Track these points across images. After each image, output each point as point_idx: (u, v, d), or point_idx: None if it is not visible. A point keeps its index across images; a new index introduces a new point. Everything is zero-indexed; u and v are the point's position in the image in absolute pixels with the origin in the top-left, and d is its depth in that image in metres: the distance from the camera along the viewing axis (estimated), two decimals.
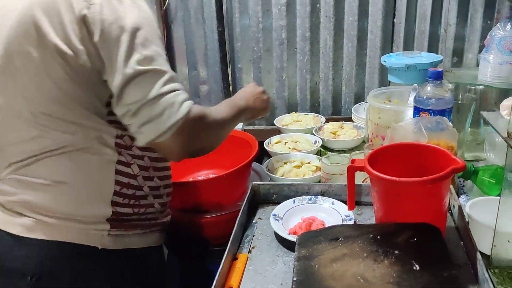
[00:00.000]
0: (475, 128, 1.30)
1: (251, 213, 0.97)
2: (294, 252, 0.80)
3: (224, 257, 0.76)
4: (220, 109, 0.84)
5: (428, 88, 1.01)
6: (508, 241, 0.73)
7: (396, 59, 1.33)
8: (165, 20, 1.71)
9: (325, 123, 1.49)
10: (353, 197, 0.85)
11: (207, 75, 1.79)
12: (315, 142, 1.36)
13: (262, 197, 1.01)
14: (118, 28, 0.67)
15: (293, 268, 0.70)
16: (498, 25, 1.16)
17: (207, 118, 0.77)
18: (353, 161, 0.83)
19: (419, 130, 0.94)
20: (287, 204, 0.95)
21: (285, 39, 1.68)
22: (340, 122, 1.46)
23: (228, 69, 1.75)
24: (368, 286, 0.63)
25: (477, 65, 1.54)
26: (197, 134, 0.75)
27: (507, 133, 0.70)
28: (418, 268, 0.64)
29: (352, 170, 0.82)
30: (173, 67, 1.80)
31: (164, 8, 1.68)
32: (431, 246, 0.69)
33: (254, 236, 0.89)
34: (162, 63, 0.71)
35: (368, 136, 1.31)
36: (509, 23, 1.13)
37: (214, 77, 1.78)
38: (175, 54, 1.78)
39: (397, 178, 0.72)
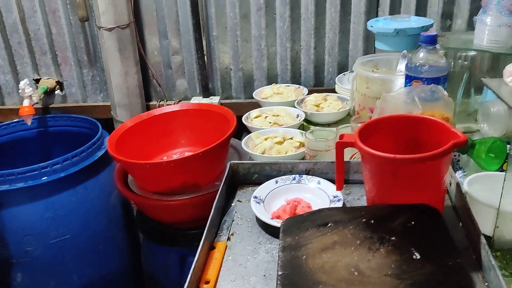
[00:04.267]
0: (465, 98, 1.23)
1: (229, 195, 0.88)
2: (277, 239, 0.73)
3: (200, 247, 0.67)
4: None
5: (421, 54, 0.92)
6: None
7: (383, 23, 1.23)
8: None
9: (307, 95, 1.39)
10: (342, 176, 0.77)
11: (180, 45, 1.65)
12: (298, 115, 1.26)
13: (241, 177, 0.92)
14: None
15: (278, 260, 0.61)
16: None
17: None
18: (341, 136, 0.74)
19: (412, 100, 0.85)
20: (269, 184, 0.86)
21: (264, 3, 1.55)
22: (323, 93, 1.37)
23: (203, 37, 1.62)
24: (363, 280, 0.55)
25: (467, 29, 1.47)
26: None
27: None
28: (418, 257, 0.57)
29: (341, 146, 0.73)
30: (141, 36, 1.65)
31: None
32: (431, 231, 0.62)
33: (233, 221, 0.80)
34: None
35: (353, 108, 1.23)
36: None
37: (187, 47, 1.65)
38: (143, 22, 1.63)
39: (393, 155, 0.64)
